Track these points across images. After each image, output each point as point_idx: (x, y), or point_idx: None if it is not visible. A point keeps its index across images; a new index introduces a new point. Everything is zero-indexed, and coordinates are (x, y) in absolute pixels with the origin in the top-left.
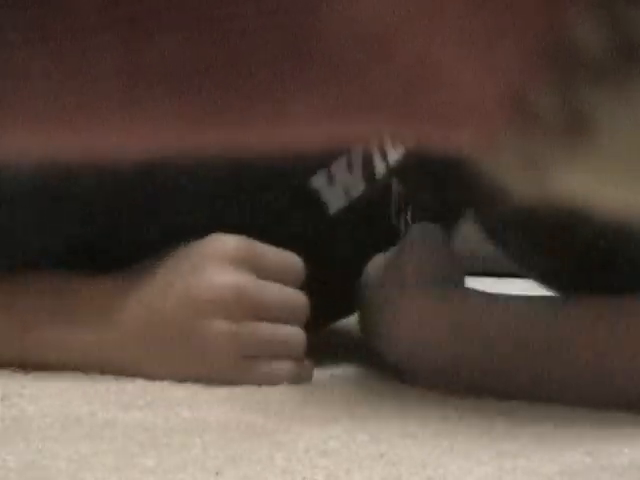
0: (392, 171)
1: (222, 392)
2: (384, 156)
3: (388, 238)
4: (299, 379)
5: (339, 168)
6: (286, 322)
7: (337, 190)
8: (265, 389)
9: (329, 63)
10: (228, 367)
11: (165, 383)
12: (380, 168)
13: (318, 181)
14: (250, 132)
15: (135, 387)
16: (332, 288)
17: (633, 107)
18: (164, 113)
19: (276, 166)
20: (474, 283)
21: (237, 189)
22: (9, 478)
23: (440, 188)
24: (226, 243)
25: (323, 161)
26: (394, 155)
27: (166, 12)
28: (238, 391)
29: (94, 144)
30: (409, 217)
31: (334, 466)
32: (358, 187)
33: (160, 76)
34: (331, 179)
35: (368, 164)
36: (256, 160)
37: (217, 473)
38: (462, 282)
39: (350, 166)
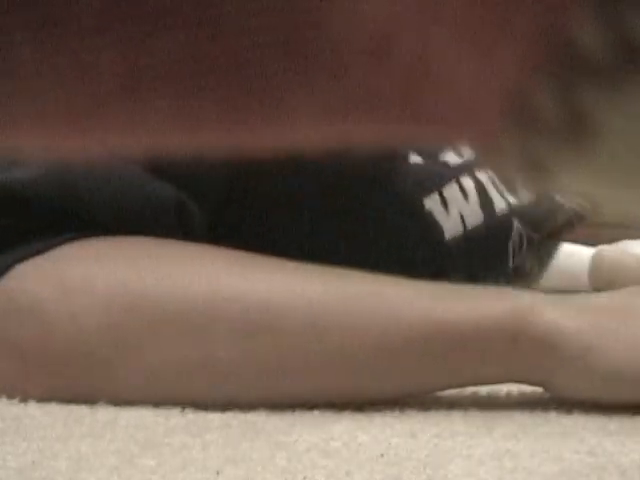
0: (514, 211)
1: None
2: (501, 193)
3: (500, 275)
4: None
5: (452, 193)
6: None
7: (453, 217)
8: None
9: (329, 62)
10: None
11: None
12: (499, 203)
13: (431, 202)
14: (250, 132)
15: None
16: None
17: (634, 107)
18: (164, 113)
19: (388, 182)
20: None
21: (349, 201)
22: (9, 478)
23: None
24: None
25: (433, 183)
26: (515, 197)
27: (166, 12)
28: None
29: (94, 144)
30: (525, 258)
31: (335, 466)
32: (476, 217)
33: (160, 76)
34: (445, 204)
35: (484, 195)
36: (365, 172)
37: (217, 473)
38: None
39: (464, 194)
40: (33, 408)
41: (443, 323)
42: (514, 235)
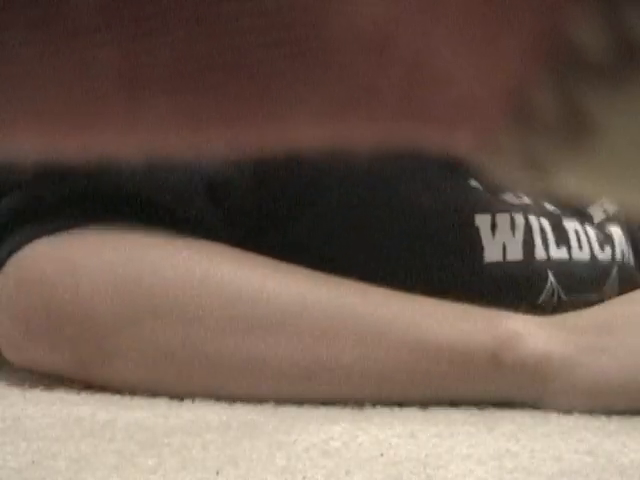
0: (553, 264)
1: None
2: (546, 246)
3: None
4: None
5: (503, 222)
6: None
7: (496, 242)
8: None
9: (329, 62)
10: None
11: None
12: (541, 253)
13: (482, 220)
14: (250, 131)
15: None
16: None
17: (634, 107)
18: (165, 111)
19: (442, 189)
20: None
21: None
22: (9, 478)
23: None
24: None
25: (488, 206)
26: (561, 254)
27: (166, 10)
28: None
29: (94, 144)
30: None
31: (335, 466)
32: (516, 253)
33: (160, 74)
34: (494, 228)
35: (529, 236)
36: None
37: (217, 472)
38: None
39: (513, 227)
40: (33, 409)
41: (426, 341)
42: (547, 288)
